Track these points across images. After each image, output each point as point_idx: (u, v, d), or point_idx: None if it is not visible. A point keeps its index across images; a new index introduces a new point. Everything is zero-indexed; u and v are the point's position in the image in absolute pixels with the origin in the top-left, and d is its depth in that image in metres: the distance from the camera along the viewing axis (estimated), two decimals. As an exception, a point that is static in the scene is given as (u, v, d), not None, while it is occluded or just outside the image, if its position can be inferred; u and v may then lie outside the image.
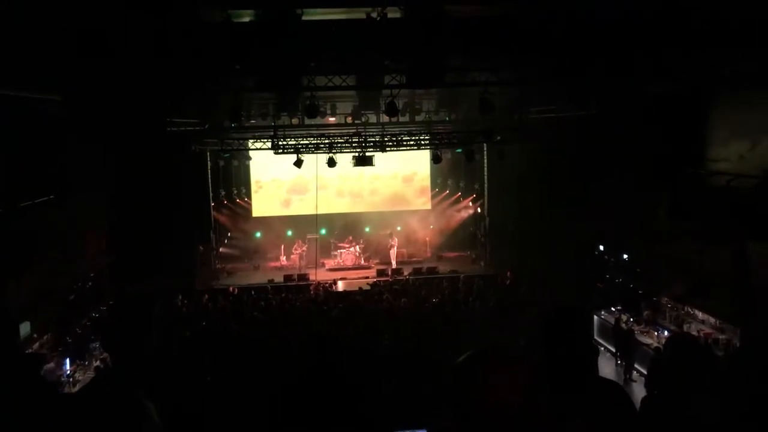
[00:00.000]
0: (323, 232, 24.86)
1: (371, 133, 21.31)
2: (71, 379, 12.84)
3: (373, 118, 21.69)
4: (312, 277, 21.82)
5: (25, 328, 13.05)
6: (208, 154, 22.46)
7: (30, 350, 12.71)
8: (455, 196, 26.23)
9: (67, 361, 13.17)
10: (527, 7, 11.06)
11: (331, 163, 20.89)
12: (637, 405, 3.21)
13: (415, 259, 24.65)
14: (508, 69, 14.57)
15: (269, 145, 20.95)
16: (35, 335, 13.41)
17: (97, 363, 13.70)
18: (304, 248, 23.77)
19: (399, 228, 25.25)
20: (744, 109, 12.34)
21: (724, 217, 11.71)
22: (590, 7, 10.68)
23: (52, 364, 12.67)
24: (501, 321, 14.48)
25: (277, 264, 24.35)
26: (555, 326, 2.73)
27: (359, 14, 11.68)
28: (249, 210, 25.75)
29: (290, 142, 20.72)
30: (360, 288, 19.44)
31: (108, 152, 16.89)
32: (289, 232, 25.00)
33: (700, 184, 13.16)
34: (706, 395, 3.04)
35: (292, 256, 23.98)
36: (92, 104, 13.91)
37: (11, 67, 10.66)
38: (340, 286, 21.05)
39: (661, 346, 12.50)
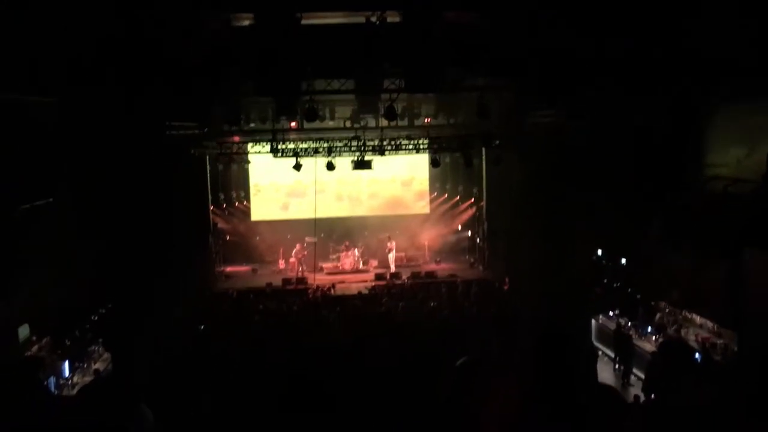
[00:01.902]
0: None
1: (370, 137, 21.34)
2: (70, 382, 12.83)
3: (372, 122, 21.72)
4: (310, 281, 21.82)
5: (23, 330, 13.04)
6: (207, 157, 22.46)
7: (29, 353, 12.70)
8: (454, 200, 26.25)
9: (66, 364, 13.15)
10: (522, 19, 11.13)
11: (330, 166, 20.90)
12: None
13: (413, 263, 24.65)
14: (504, 73, 14.63)
15: (268, 148, 20.97)
16: (34, 338, 13.40)
17: (96, 366, 13.70)
18: (305, 253, 23.73)
19: (397, 232, 25.23)
20: (742, 114, 12.37)
21: (720, 222, 11.74)
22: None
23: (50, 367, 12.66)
24: (498, 327, 14.48)
25: (276, 268, 24.33)
26: (546, 353, 2.74)
27: (359, 18, 11.73)
28: (248, 213, 25.76)
29: (289, 146, 20.75)
30: (359, 292, 19.45)
31: (107, 155, 16.88)
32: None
33: (697, 189, 13.20)
34: (700, 397, 3.07)
35: (290, 260, 23.96)
36: (88, 108, 13.94)
37: (6, 70, 10.68)
38: (339, 290, 21.04)
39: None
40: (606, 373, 14.52)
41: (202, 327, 15.80)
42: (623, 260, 17.76)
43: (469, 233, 25.53)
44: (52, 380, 12.24)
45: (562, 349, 2.70)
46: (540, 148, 18.87)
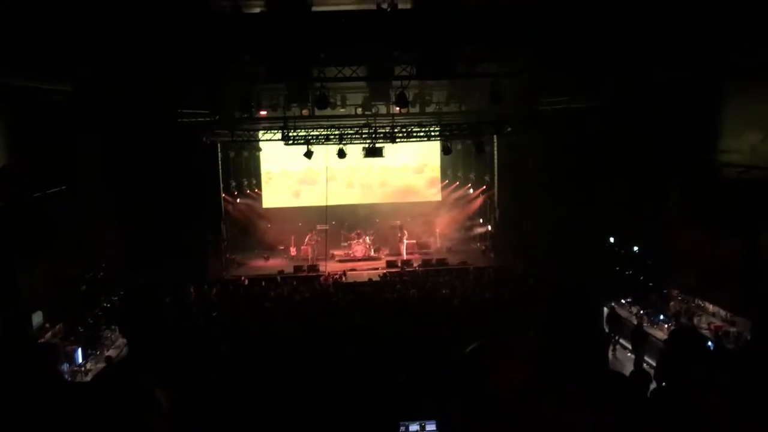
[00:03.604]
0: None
1: (381, 124, 21.28)
2: (83, 369, 12.94)
3: (383, 110, 21.66)
4: (322, 268, 21.84)
5: (37, 317, 13.16)
6: (219, 145, 22.48)
7: (42, 340, 12.82)
8: (465, 188, 26.16)
9: (79, 350, 13.27)
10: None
11: (341, 154, 20.88)
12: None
13: (425, 250, 24.61)
14: (518, 58, 14.52)
15: (279, 136, 20.97)
16: (47, 325, 13.52)
17: (109, 352, 13.82)
18: (317, 239, 23.77)
19: (409, 219, 25.17)
20: (757, 100, 12.23)
21: (735, 208, 11.64)
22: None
23: (64, 354, 12.76)
24: (511, 312, 14.46)
25: (288, 255, 24.37)
26: (558, 317, 2.73)
27: (370, 5, 11.67)
28: (259, 201, 25.80)
29: (300, 134, 20.73)
30: (370, 279, 19.46)
31: (119, 143, 16.95)
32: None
33: (711, 175, 13.09)
34: (712, 388, 3.04)
35: (302, 247, 24.00)
36: (102, 95, 13.98)
37: (22, 58, 10.71)
38: (350, 277, 21.04)
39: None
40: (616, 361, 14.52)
41: (215, 314, 15.86)
42: (635, 248, 17.67)
43: (481, 221, 25.48)
44: (65, 367, 12.35)
45: (575, 311, 2.69)
46: (552, 135, 18.76)
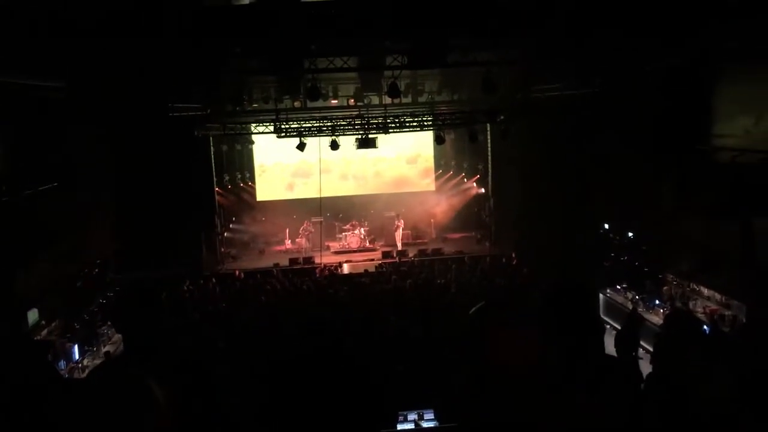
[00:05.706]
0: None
1: (374, 115, 21.22)
2: (80, 365, 12.93)
3: (375, 100, 21.59)
4: (317, 260, 21.84)
5: (33, 315, 13.13)
6: (211, 139, 22.40)
7: (38, 337, 12.79)
8: (459, 177, 26.16)
9: (76, 347, 13.24)
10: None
11: (334, 146, 20.83)
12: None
13: (420, 240, 24.62)
14: (510, 46, 14.46)
15: (272, 128, 20.89)
16: (43, 322, 13.49)
17: (106, 348, 13.80)
18: (312, 230, 23.79)
19: (403, 210, 25.15)
20: (750, 84, 12.24)
21: (729, 193, 11.67)
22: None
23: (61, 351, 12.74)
24: (508, 301, 14.48)
25: (282, 248, 24.37)
26: (554, 305, 2.73)
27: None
28: (253, 194, 25.76)
29: (293, 126, 20.66)
30: (365, 270, 19.46)
31: (111, 139, 16.88)
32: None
33: (705, 160, 13.10)
34: (708, 371, 3.05)
35: (297, 240, 24.01)
36: (95, 91, 13.88)
37: (13, 54, 10.63)
38: (346, 268, 21.07)
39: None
40: (612, 347, 14.54)
41: (210, 309, 15.86)
42: (630, 234, 17.71)
43: (476, 209, 25.48)
44: (62, 364, 12.34)
45: (572, 299, 2.69)
46: (545, 122, 18.75)
